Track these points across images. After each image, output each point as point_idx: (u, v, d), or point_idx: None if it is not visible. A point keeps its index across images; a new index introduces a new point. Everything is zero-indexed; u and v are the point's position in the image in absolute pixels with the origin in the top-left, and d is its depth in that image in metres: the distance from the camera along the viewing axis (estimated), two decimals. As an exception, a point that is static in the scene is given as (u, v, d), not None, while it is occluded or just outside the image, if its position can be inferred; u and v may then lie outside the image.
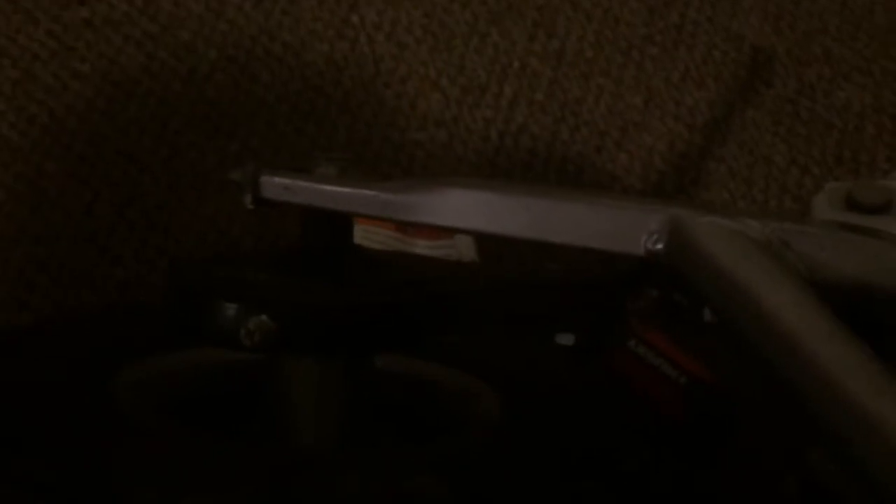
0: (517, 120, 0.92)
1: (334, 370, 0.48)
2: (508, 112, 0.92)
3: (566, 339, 0.58)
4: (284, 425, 0.48)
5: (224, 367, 0.53)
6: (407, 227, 0.71)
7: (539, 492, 0.43)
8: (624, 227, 0.42)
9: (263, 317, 0.45)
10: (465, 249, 0.77)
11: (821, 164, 1.00)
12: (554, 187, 0.46)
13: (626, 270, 0.53)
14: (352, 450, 0.48)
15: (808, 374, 0.35)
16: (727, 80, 1.00)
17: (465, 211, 0.45)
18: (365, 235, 0.68)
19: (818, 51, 1.03)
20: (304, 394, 0.48)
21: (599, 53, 0.97)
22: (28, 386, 0.49)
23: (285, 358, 0.49)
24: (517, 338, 0.56)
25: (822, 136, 1.00)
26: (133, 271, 0.71)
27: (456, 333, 0.51)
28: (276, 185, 0.49)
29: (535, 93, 0.94)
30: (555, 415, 0.52)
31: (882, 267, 0.41)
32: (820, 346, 0.35)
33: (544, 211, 0.44)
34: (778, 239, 0.40)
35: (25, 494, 0.39)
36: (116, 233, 0.73)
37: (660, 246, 0.42)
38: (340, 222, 0.52)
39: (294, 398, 0.48)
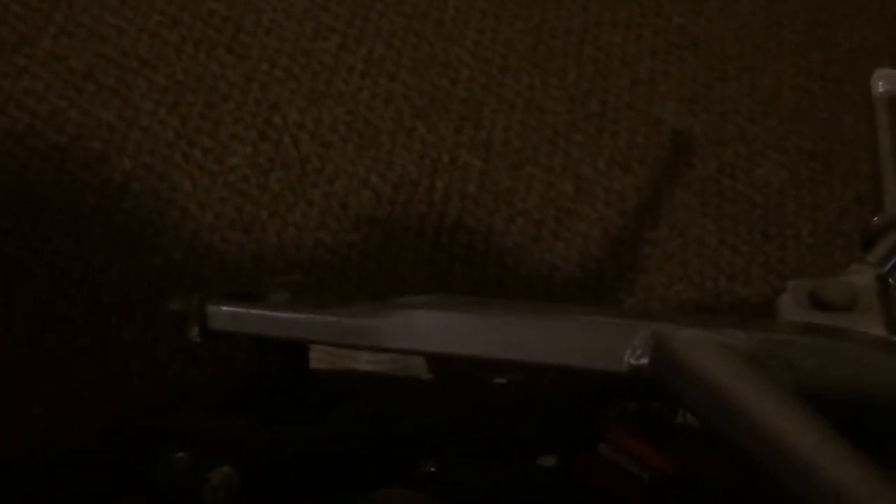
0: (451, 214, 0.89)
1: None
2: (442, 207, 0.89)
3: (548, 461, 0.54)
4: None
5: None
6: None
7: None
8: (605, 344, 0.39)
9: (227, 468, 0.39)
10: (413, 362, 0.72)
11: (749, 241, 1.00)
12: (526, 303, 0.43)
13: (604, 384, 0.50)
14: None
15: (809, 486, 0.33)
16: (651, 163, 0.99)
17: (434, 334, 0.41)
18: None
19: (733, 131, 1.04)
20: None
21: (526, 142, 0.96)
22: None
23: None
24: (497, 462, 0.52)
25: (747, 214, 1.00)
26: (53, 409, 0.63)
27: (432, 463, 0.47)
28: (225, 315, 0.43)
29: (467, 185, 0.91)
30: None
31: (865, 373, 0.39)
32: (818, 458, 0.34)
33: (518, 330, 0.41)
34: (763, 350, 0.39)
35: None
36: (32, 364, 0.65)
37: (644, 361, 0.40)
38: (295, 350, 0.47)
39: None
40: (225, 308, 0.44)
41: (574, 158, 0.96)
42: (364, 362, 0.70)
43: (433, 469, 0.48)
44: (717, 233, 0.97)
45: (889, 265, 0.46)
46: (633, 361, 0.40)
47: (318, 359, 0.66)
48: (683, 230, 0.96)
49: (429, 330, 0.42)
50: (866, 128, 1.06)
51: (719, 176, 1.00)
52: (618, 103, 1.01)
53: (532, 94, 0.97)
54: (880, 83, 0.59)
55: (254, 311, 0.44)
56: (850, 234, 1.01)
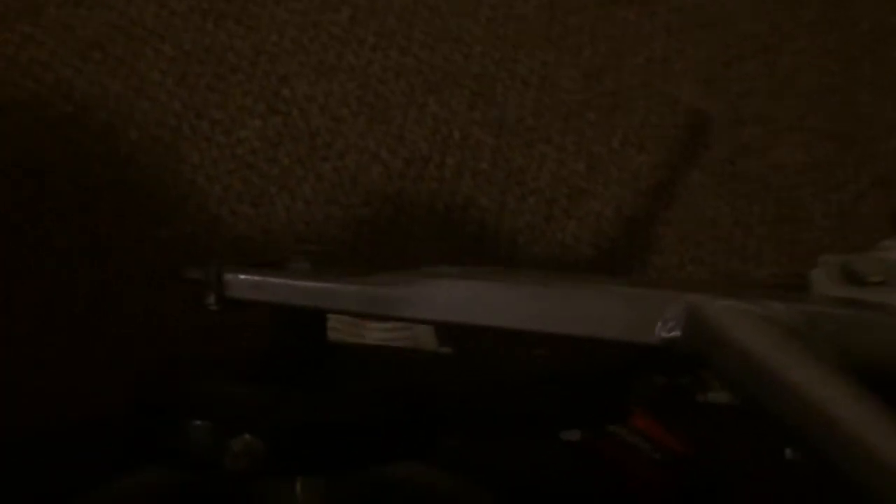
0: (463, 191, 0.87)
1: (328, 489, 0.42)
2: (453, 183, 0.87)
3: (572, 435, 0.53)
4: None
5: (196, 493, 0.46)
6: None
7: None
8: (637, 316, 0.39)
9: (247, 436, 0.38)
10: (423, 335, 0.71)
11: (763, 223, 0.98)
12: (555, 274, 0.42)
13: (631, 358, 0.49)
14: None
15: (857, 460, 0.32)
16: (666, 143, 0.98)
17: (463, 304, 0.41)
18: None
19: (750, 111, 1.03)
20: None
21: (539, 120, 0.94)
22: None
23: (272, 482, 0.42)
24: (520, 438, 0.51)
25: (762, 196, 0.99)
26: (64, 383, 0.62)
27: (455, 438, 0.46)
28: (244, 283, 0.42)
29: (478, 163, 0.89)
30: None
31: None
32: (867, 432, 0.33)
33: (548, 300, 0.40)
34: (804, 323, 0.38)
35: None
36: (41, 339, 0.64)
37: (676, 333, 0.39)
38: (314, 320, 0.46)
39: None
40: (243, 276, 0.43)
41: (587, 137, 0.94)
42: (371, 339, 0.69)
43: (454, 444, 0.48)
44: (731, 214, 0.96)
45: (922, 240, 0.45)
46: (664, 334, 0.40)
47: (329, 327, 0.65)
48: (697, 211, 0.94)
49: (457, 299, 0.41)
50: (883, 109, 1.04)
51: (735, 157, 0.99)
52: (632, 81, 0.99)
53: (546, 71, 0.96)
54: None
55: (274, 280, 0.43)
56: (866, 217, 1.00)
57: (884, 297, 0.41)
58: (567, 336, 0.42)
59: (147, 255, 0.70)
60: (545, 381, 0.47)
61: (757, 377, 0.37)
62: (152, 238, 0.72)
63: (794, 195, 0.99)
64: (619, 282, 0.44)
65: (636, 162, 0.95)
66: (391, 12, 0.93)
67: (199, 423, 0.39)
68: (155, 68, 0.81)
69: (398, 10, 0.93)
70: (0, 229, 0.70)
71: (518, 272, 0.44)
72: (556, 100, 0.95)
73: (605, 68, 0.98)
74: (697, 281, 0.88)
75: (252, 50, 0.86)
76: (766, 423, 0.38)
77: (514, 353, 0.59)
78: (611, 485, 0.60)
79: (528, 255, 0.86)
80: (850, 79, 1.06)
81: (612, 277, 0.80)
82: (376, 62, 0.89)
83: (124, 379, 0.46)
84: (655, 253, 0.90)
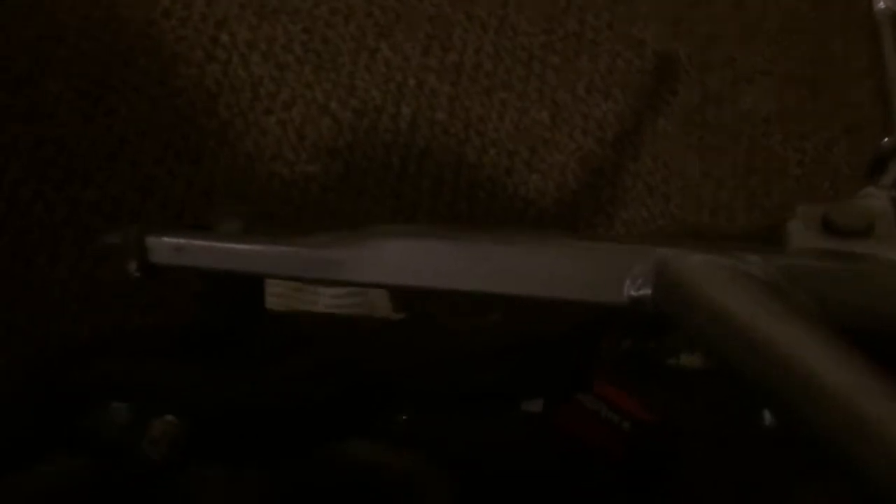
0: (419, 143, 0.82)
1: (261, 478, 0.38)
2: (408, 135, 0.82)
3: (534, 406, 0.49)
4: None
5: (109, 484, 0.41)
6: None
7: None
8: (603, 274, 0.35)
9: (168, 418, 0.33)
10: (378, 301, 0.66)
11: (733, 175, 0.94)
12: (511, 230, 0.38)
13: (595, 319, 0.45)
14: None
15: (847, 425, 0.29)
16: (633, 89, 0.93)
17: (410, 265, 0.36)
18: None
19: (719, 55, 0.98)
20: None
21: (499, 65, 0.89)
22: None
23: (196, 470, 0.37)
24: (477, 410, 0.47)
25: (733, 145, 0.95)
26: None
27: (404, 412, 0.42)
28: (167, 247, 0.37)
29: (435, 112, 0.84)
30: (512, 498, 0.43)
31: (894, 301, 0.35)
32: (858, 393, 0.30)
33: (504, 260, 0.36)
34: (784, 278, 0.35)
35: None
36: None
37: (646, 291, 0.35)
38: (249, 288, 0.41)
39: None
40: (167, 239, 0.38)
41: (550, 84, 0.89)
42: (324, 305, 0.64)
43: (405, 418, 0.43)
44: (700, 165, 0.92)
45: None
46: (633, 292, 0.36)
47: (273, 300, 0.60)
48: (666, 161, 0.90)
49: (404, 260, 0.37)
50: (855, 53, 1.00)
51: (704, 104, 0.95)
52: (597, 23, 0.94)
53: (505, 12, 0.90)
54: (881, 1, 0.54)
55: (200, 242, 0.38)
56: (837, 166, 0.97)
57: (866, 248, 0.38)
58: (527, 298, 0.38)
59: (72, 219, 0.64)
60: (504, 347, 0.43)
61: (734, 337, 0.33)
62: (76, 200, 0.66)
63: (766, 144, 0.95)
64: (582, 237, 0.40)
65: (602, 109, 0.90)
66: (338, -51, 0.86)
67: (112, 404, 0.34)
68: (75, 13, 0.74)
69: (346, -54, 0.87)
70: None
71: (473, 229, 0.39)
72: (517, 43, 0.89)
73: (567, 9, 0.93)
74: (667, 235, 0.84)
75: (186, -9, 0.79)
76: (742, 386, 0.35)
77: (470, 319, 0.54)
78: (572, 456, 0.57)
79: (489, 211, 0.81)
80: (820, 20, 1.02)
81: (576, 234, 0.76)
82: (323, 3, 0.83)
83: (32, 355, 0.41)
84: (622, 206, 0.86)
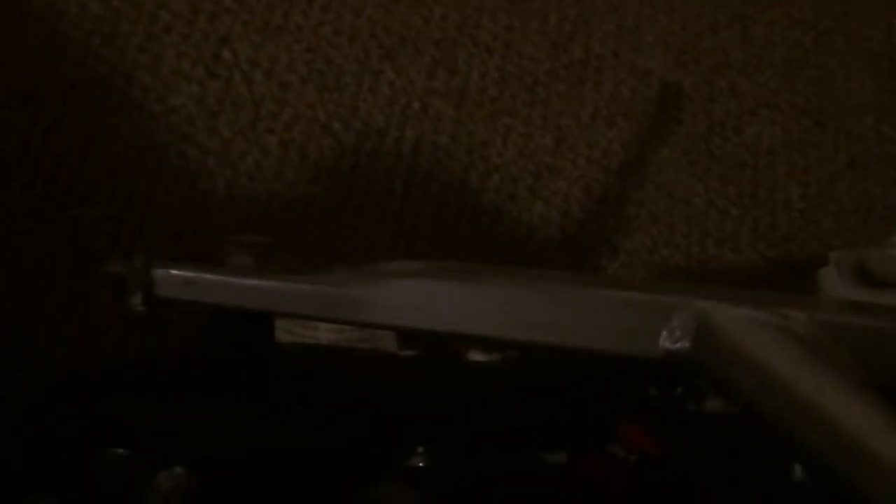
0: (421, 167, 0.81)
1: None
2: (411, 159, 0.81)
3: (557, 458, 0.48)
4: None
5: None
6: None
7: None
8: (638, 325, 0.34)
9: (179, 469, 0.32)
10: (382, 334, 0.65)
11: (738, 204, 0.94)
12: (539, 273, 0.37)
13: (619, 364, 0.44)
14: None
15: (889, 490, 0.28)
16: (637, 117, 0.93)
17: (431, 309, 0.35)
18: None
19: (724, 85, 0.98)
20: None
21: (504, 91, 0.88)
22: None
23: None
24: (495, 456, 0.45)
25: (737, 175, 0.95)
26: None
27: (425, 456, 0.40)
28: (176, 280, 0.36)
29: (439, 136, 0.83)
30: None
31: None
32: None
33: (530, 305, 0.35)
34: (827, 335, 0.34)
35: None
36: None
37: (683, 345, 0.34)
38: (259, 323, 0.40)
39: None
40: (176, 272, 0.37)
41: (555, 110, 0.88)
42: (325, 335, 0.63)
43: (423, 464, 0.42)
44: (705, 194, 0.91)
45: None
46: (669, 345, 0.34)
47: (277, 332, 0.58)
48: (670, 191, 0.90)
49: (425, 303, 0.36)
50: (857, 88, 1.00)
51: (708, 134, 0.94)
52: (602, 51, 0.93)
53: (511, 37, 0.90)
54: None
55: (211, 277, 0.37)
56: (841, 200, 0.96)
57: (902, 301, 0.37)
58: (556, 347, 0.36)
59: (69, 240, 0.63)
60: (523, 392, 0.42)
61: (777, 398, 0.32)
62: (74, 221, 0.64)
63: (770, 175, 0.95)
64: (612, 282, 0.39)
65: (606, 137, 0.89)
66: (343, -30, 0.86)
67: (115, 451, 0.32)
68: (78, 27, 0.73)
69: (351, -33, 0.86)
70: None
71: (496, 270, 0.38)
72: (522, 69, 0.89)
73: (573, 36, 0.92)
74: (701, 283, 0.83)
75: (188, 7, 0.78)
76: (782, 447, 0.34)
77: (483, 358, 0.53)
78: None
79: (491, 238, 0.80)
80: (823, 53, 1.02)
81: (604, 277, 0.74)
82: (327, 24, 0.82)
83: (37, 388, 0.39)
84: (626, 236, 0.86)
